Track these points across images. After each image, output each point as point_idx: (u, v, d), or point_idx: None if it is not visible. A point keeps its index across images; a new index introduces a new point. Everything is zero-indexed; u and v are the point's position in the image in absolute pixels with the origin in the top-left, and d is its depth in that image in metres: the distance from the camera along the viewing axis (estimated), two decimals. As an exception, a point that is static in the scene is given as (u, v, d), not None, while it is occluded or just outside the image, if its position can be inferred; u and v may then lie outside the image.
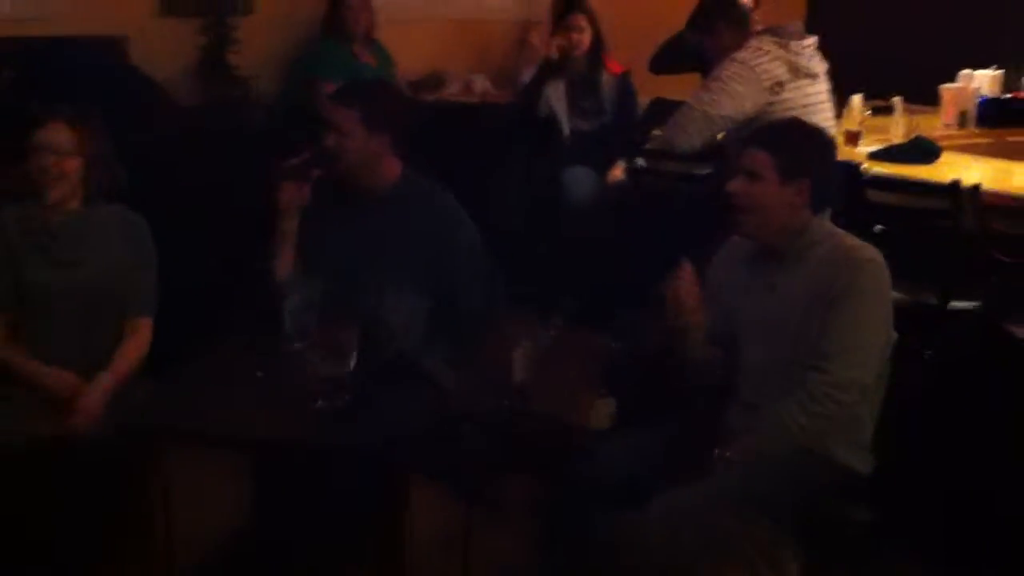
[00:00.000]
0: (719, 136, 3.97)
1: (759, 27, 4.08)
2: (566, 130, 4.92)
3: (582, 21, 4.90)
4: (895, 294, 2.58)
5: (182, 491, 2.63)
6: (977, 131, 5.03)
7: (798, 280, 2.58)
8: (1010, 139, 4.95)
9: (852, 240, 2.61)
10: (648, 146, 4.50)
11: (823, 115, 4.03)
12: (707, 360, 2.70)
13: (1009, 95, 5.18)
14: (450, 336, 2.76)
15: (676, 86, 5.24)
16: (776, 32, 3.93)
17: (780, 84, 3.86)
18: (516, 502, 2.44)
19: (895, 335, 2.57)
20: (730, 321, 2.69)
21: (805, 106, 3.93)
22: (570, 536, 2.44)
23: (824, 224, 2.66)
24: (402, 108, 3.11)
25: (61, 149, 2.89)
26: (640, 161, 4.50)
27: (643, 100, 5.19)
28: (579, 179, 4.79)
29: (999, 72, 5.19)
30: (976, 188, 3.48)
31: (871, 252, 2.57)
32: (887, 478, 2.62)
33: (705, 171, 4.20)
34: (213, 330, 2.95)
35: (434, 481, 2.42)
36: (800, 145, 2.64)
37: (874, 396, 2.56)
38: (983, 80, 5.15)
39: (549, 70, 4.93)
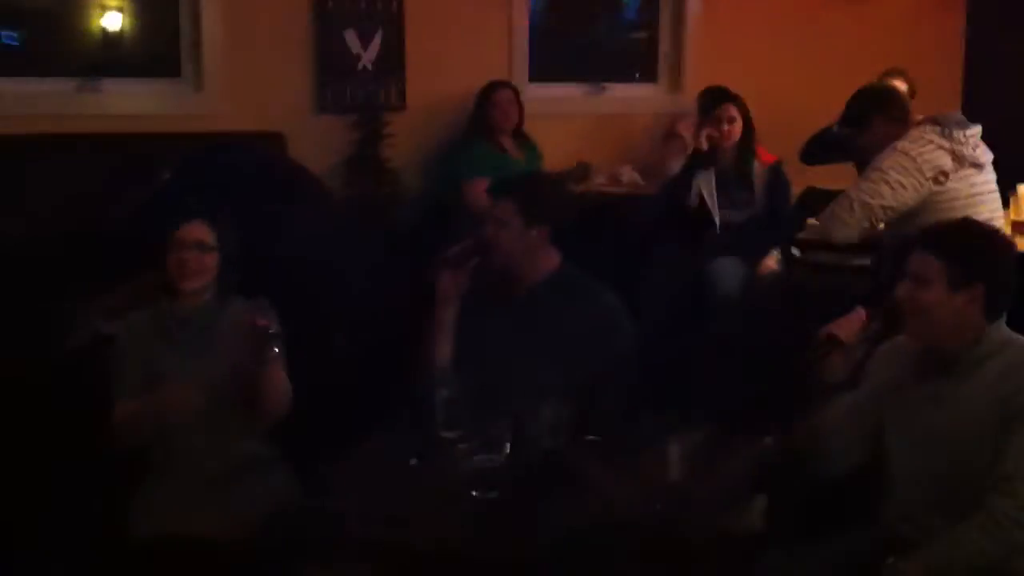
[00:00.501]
0: (879, 226, 3.85)
1: (919, 117, 3.97)
2: (717, 220, 4.85)
3: (733, 111, 4.85)
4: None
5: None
6: None
7: (971, 394, 2.43)
8: None
9: None
10: (803, 236, 4.39)
11: (990, 206, 3.88)
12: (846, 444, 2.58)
13: None
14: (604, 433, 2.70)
15: (828, 176, 5.16)
16: (938, 121, 3.82)
17: (944, 174, 3.74)
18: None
19: None
20: (883, 422, 2.56)
21: (970, 196, 3.81)
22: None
23: (1001, 331, 2.48)
24: (559, 199, 3.12)
25: (203, 245, 2.98)
26: (795, 251, 4.39)
27: (795, 190, 5.11)
28: (729, 271, 4.70)
29: None
30: None
31: None
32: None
33: (863, 262, 4.07)
34: (368, 423, 2.93)
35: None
36: (972, 249, 2.47)
37: None
38: None
39: (699, 161, 4.88)
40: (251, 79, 4.96)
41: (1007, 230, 4.15)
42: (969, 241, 2.50)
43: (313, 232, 4.16)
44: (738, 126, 4.86)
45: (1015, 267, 2.58)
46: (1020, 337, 2.48)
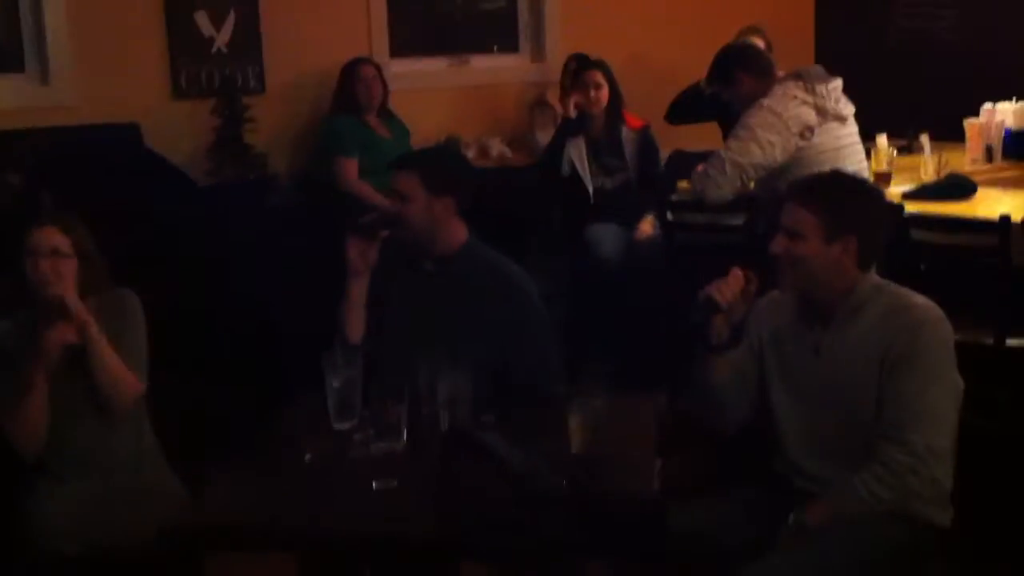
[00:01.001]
0: (750, 184, 3.90)
1: (781, 73, 4.03)
2: (590, 188, 4.86)
3: (599, 77, 4.86)
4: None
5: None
6: (1005, 164, 4.95)
7: (848, 343, 2.46)
8: (1039, 170, 4.88)
9: (906, 296, 2.48)
10: (676, 198, 4.42)
11: (855, 157, 3.97)
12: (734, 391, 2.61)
13: (1034, 126, 5.10)
14: (501, 410, 2.66)
15: (695, 138, 5.22)
16: (801, 76, 3.88)
17: (810, 128, 3.81)
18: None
19: (962, 385, 2.45)
20: (766, 376, 2.60)
21: (836, 149, 3.89)
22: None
23: (872, 279, 2.50)
24: (463, 170, 3.07)
25: (58, 252, 2.85)
26: (669, 214, 4.42)
27: (663, 153, 5.16)
28: (606, 236, 4.71)
29: (1021, 104, 5.12)
30: (1028, 221, 3.40)
31: (930, 308, 2.44)
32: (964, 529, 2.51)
33: (737, 221, 4.12)
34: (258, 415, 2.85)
35: (502, 567, 2.29)
36: (844, 200, 2.49)
37: (951, 452, 2.44)
38: (1006, 113, 5.08)
39: (569, 128, 4.88)
40: (100, 69, 4.78)
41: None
42: (841, 193, 2.51)
43: (175, 221, 4.05)
44: (605, 92, 4.87)
45: (886, 216, 2.65)
46: (891, 284, 2.51)
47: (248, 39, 5.12)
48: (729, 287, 2.51)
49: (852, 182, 2.64)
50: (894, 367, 2.38)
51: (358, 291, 2.91)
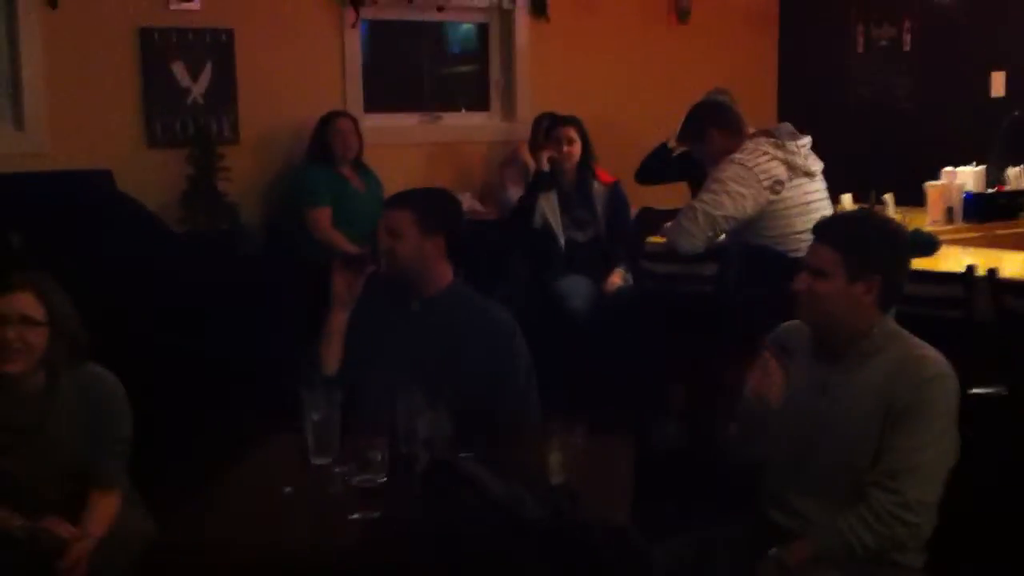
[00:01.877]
0: (721, 236, 3.97)
1: (752, 130, 4.12)
2: (561, 240, 4.92)
3: (572, 132, 4.95)
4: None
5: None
6: (965, 226, 5.08)
7: (858, 386, 2.46)
8: (998, 232, 5.01)
9: (919, 347, 2.49)
10: (649, 249, 4.49)
11: (823, 212, 4.03)
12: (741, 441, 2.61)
13: (993, 190, 5.25)
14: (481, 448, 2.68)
15: (662, 197, 5.31)
16: (771, 133, 3.97)
17: (780, 183, 3.88)
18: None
19: (960, 442, 2.45)
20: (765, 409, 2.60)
21: (805, 203, 3.95)
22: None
23: (890, 324, 2.52)
24: (455, 212, 3.11)
25: (28, 319, 2.62)
26: (646, 263, 4.49)
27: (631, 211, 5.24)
28: (577, 289, 4.77)
29: (981, 168, 5.27)
30: (992, 273, 3.48)
31: (940, 362, 2.45)
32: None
33: (708, 271, 4.19)
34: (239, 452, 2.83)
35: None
36: (870, 241, 2.49)
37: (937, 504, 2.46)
38: (966, 176, 5.23)
39: (542, 181, 4.96)
40: (76, 116, 4.81)
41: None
42: (867, 233, 2.52)
43: (151, 265, 4.05)
44: (577, 147, 4.96)
45: (909, 260, 2.63)
46: (906, 332, 2.53)
47: (224, 89, 5.17)
48: (774, 382, 2.47)
49: (878, 222, 2.67)
50: (899, 418, 2.38)
51: (339, 323, 2.91)
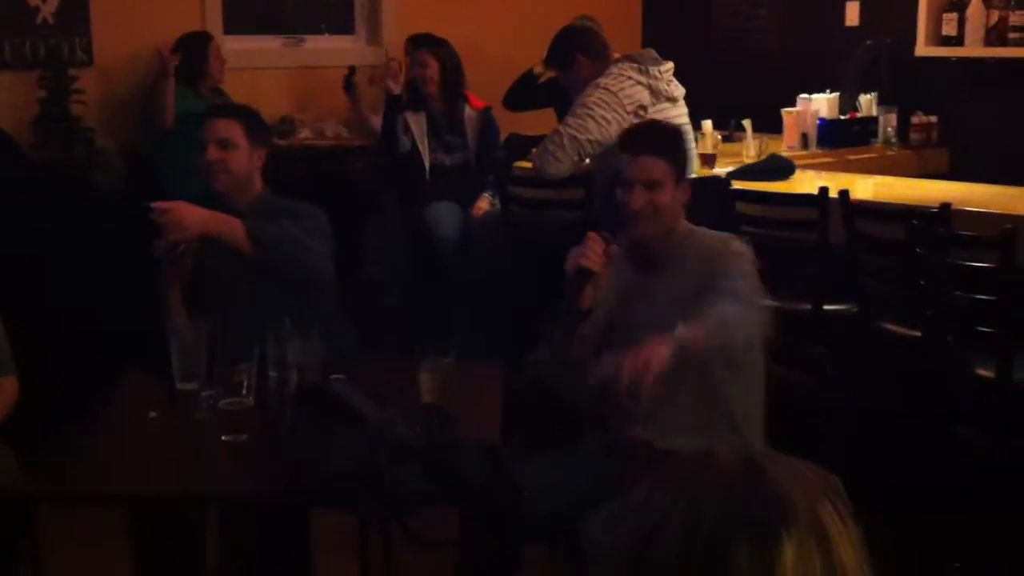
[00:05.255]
0: (586, 160, 4.02)
1: (616, 55, 4.16)
2: (426, 163, 4.91)
3: (426, 58, 4.91)
4: (772, 302, 2.58)
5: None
6: (819, 151, 5.24)
7: (677, 284, 2.58)
8: (850, 157, 5.19)
9: (715, 233, 2.65)
10: (515, 173, 4.51)
11: (686, 137, 4.12)
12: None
13: (846, 117, 5.42)
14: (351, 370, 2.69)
15: (530, 123, 5.33)
16: (635, 59, 4.01)
17: (643, 107, 3.94)
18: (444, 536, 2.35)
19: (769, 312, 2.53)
20: (614, 335, 2.67)
21: (668, 128, 4.03)
22: (500, 568, 2.38)
23: (685, 223, 2.67)
24: (268, 127, 3.19)
25: None
26: (513, 189, 4.51)
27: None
28: (445, 216, 4.77)
29: (835, 95, 5.43)
30: (845, 194, 3.61)
31: (736, 240, 2.63)
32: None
33: (574, 196, 4.24)
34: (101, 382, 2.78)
35: (354, 516, 2.31)
36: (681, 146, 2.72)
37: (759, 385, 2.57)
38: (820, 103, 5.38)
39: (392, 105, 4.91)
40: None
41: (696, 163, 4.39)
42: (679, 140, 2.74)
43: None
44: (431, 71, 4.91)
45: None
46: (702, 228, 2.66)
47: (75, 10, 4.96)
48: (594, 251, 2.56)
49: (672, 128, 2.87)
50: (712, 284, 2.47)
51: (175, 299, 2.87)
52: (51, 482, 2.34)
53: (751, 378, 2.58)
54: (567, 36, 4.24)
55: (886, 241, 3.50)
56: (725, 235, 2.66)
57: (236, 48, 5.44)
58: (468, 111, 5.00)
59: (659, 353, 2.27)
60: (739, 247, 2.58)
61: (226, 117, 2.97)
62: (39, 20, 4.88)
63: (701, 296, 2.47)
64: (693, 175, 3.62)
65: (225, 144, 2.90)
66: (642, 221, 2.59)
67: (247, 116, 3.02)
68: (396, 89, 4.93)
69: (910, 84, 5.52)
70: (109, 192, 4.76)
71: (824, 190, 3.70)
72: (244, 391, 2.50)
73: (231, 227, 2.75)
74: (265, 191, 3.02)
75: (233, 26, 5.54)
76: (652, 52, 4.12)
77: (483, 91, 5.23)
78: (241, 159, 2.92)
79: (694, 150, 4.25)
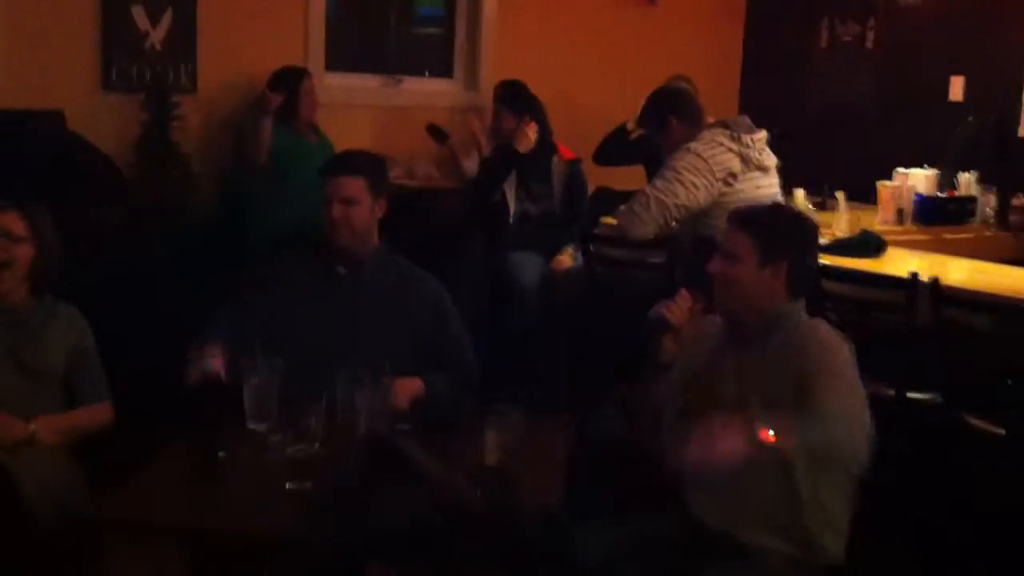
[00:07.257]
0: (672, 224, 3.99)
1: (710, 120, 4.14)
2: (511, 211, 4.91)
3: (509, 118, 4.95)
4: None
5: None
6: (914, 228, 5.14)
7: (770, 365, 2.52)
8: (946, 236, 5.07)
9: (823, 325, 2.59)
10: (599, 232, 4.50)
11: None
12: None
13: (943, 194, 5.31)
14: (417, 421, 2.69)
15: (619, 178, 5.32)
16: (728, 125, 3.98)
17: (733, 175, 3.90)
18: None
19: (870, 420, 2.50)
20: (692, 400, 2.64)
21: (756, 197, 3.96)
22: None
23: (798, 310, 2.61)
24: (386, 174, 3.20)
25: (12, 235, 2.79)
26: (591, 247, 4.49)
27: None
28: (527, 265, 4.77)
29: (933, 172, 5.33)
30: (935, 281, 3.52)
31: (829, 327, 2.57)
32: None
33: (657, 259, 4.20)
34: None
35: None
36: (778, 227, 2.64)
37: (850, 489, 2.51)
38: (918, 178, 5.28)
39: (513, 159, 4.89)
40: (31, 55, 4.69)
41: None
42: (776, 222, 2.67)
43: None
44: (510, 127, 4.91)
45: (816, 247, 2.82)
46: (817, 320, 2.62)
47: (183, 37, 5.08)
48: (679, 306, 2.64)
49: (788, 213, 2.82)
50: (810, 379, 2.38)
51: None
52: (115, 509, 2.38)
53: (840, 482, 2.51)
54: (661, 97, 4.23)
55: (975, 330, 3.40)
56: (824, 325, 2.59)
57: (335, 85, 5.54)
58: (556, 161, 4.99)
59: (734, 444, 2.22)
60: (838, 341, 2.50)
61: (351, 175, 2.95)
62: (147, 45, 5.00)
63: (794, 386, 2.40)
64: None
65: (350, 202, 2.91)
66: (718, 288, 2.60)
67: (370, 170, 3.00)
68: (485, 149, 4.94)
69: (1012, 164, 5.40)
70: (201, 217, 4.85)
71: (915, 275, 3.61)
72: (313, 437, 2.52)
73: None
74: (381, 245, 3.02)
75: (335, 63, 5.63)
76: (746, 119, 4.08)
77: (573, 141, 5.23)
78: (364, 214, 2.93)
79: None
